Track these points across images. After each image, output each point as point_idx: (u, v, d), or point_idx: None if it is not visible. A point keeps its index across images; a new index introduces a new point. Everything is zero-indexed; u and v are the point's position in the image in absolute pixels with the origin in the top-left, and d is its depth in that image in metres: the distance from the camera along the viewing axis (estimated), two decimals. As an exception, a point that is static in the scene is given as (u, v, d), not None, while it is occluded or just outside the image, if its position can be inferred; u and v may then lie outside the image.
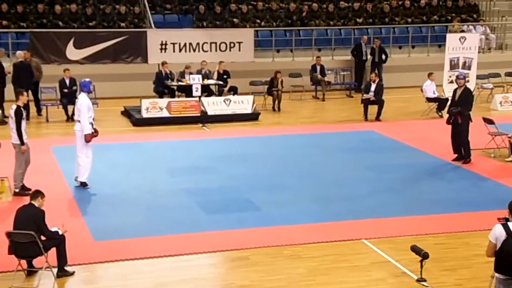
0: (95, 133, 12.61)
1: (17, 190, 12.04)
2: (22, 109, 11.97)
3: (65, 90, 18.22)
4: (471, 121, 14.29)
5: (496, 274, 7.05)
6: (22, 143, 11.89)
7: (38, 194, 9.03)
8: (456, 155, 14.44)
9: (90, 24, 22.11)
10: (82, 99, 12.50)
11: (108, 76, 20.94)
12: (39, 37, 20.98)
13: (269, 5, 24.32)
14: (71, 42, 21.04)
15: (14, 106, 11.91)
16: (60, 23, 21.91)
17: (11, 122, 11.92)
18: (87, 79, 12.95)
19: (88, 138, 12.39)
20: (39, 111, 18.85)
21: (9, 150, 12.35)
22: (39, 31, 21.28)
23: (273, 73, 20.20)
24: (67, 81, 18.29)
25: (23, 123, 11.94)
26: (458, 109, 14.14)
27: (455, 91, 14.59)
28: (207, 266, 9.55)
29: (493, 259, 7.06)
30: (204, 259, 9.68)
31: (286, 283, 8.87)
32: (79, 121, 12.47)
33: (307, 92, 21.91)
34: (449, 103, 15.19)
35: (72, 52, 21.09)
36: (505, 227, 6.95)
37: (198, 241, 10.15)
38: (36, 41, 20.83)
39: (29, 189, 11.24)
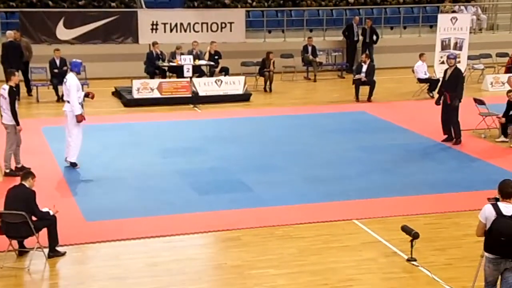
0: (91, 96, 12.91)
1: (7, 171, 12.01)
2: (14, 89, 11.92)
3: (55, 70, 18.11)
4: (460, 101, 14.31)
5: (486, 254, 7.11)
6: (18, 123, 11.83)
7: (29, 174, 9.02)
8: (445, 136, 14.49)
9: (80, 3, 21.94)
10: (71, 79, 12.42)
11: (98, 57, 20.81)
12: (29, 17, 20.80)
13: (260, -15, 24.21)
14: (61, 22, 20.86)
15: (6, 87, 11.84)
16: (50, 3, 21.73)
17: (4, 102, 11.85)
18: (79, 60, 12.88)
19: (79, 118, 12.35)
20: (29, 91, 18.75)
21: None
22: (29, 10, 21.11)
23: (264, 54, 20.14)
24: (57, 61, 18.18)
25: (16, 103, 11.89)
26: (457, 102, 14.11)
27: (445, 71, 14.61)
28: (199, 246, 9.57)
29: (482, 238, 7.12)
30: (196, 239, 9.71)
31: (278, 263, 8.91)
32: (68, 102, 12.43)
33: (298, 73, 21.87)
34: (439, 83, 15.22)
35: (62, 32, 20.92)
36: (495, 207, 6.99)
37: (190, 222, 10.17)
38: (26, 21, 20.65)
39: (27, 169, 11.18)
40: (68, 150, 12.60)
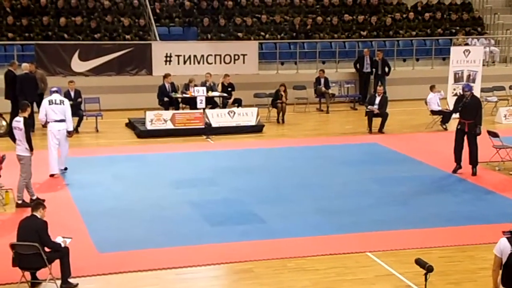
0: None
1: (19, 202, 12.06)
2: (28, 120, 12.14)
3: (70, 102, 18.20)
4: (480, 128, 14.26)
5: (502, 288, 7.02)
6: (31, 148, 11.98)
7: (39, 205, 9.04)
8: (456, 164, 14.41)
9: (95, 36, 22.20)
10: (66, 100, 14.37)
11: (112, 88, 21.00)
12: (44, 49, 21.06)
13: (273, 17, 24.41)
14: (76, 54, 21.12)
15: (20, 118, 12.00)
16: (65, 35, 21.98)
17: (19, 133, 11.97)
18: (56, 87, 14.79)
19: (72, 134, 14.41)
20: (44, 122, 18.87)
21: (13, 162, 12.38)
22: (44, 43, 21.36)
23: (277, 85, 20.21)
24: (72, 93, 18.32)
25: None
26: (479, 129, 14.08)
27: (460, 98, 14.51)
28: (211, 278, 9.52)
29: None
30: (208, 271, 9.66)
31: (290, 296, 8.84)
32: (62, 120, 13.93)
33: (311, 104, 21.92)
34: (453, 107, 15.10)
35: (77, 64, 21.17)
36: (510, 240, 6.92)
37: (202, 253, 10.13)
38: (41, 53, 20.90)
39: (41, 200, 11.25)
40: (62, 160, 14.09)
